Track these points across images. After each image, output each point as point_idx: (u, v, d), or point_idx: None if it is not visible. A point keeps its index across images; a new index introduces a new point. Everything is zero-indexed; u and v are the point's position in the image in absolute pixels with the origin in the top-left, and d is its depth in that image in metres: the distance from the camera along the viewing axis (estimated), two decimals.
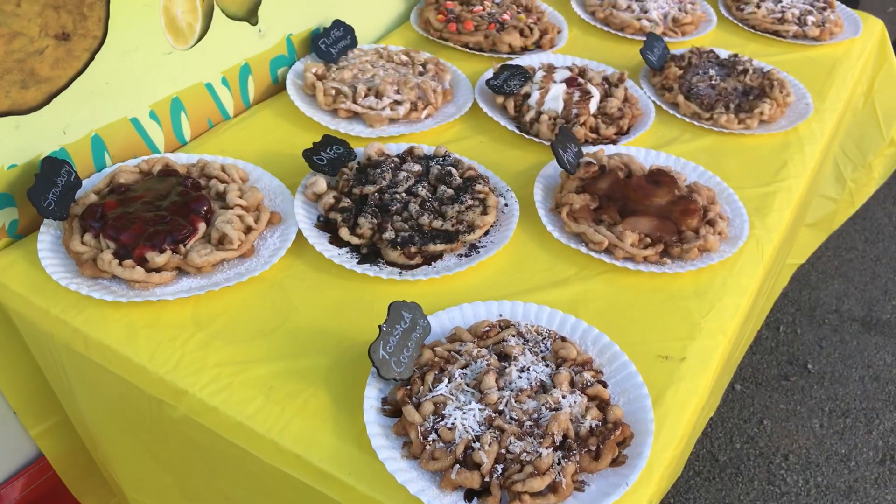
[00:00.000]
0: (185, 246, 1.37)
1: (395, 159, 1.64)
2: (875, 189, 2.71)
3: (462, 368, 1.23)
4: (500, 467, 1.10)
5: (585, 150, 1.73)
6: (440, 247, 1.46)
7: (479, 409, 1.16)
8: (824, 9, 2.47)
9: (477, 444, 1.11)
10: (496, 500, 1.08)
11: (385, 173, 1.58)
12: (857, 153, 2.49)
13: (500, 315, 1.37)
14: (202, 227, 1.40)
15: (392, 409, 1.20)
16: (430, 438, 1.13)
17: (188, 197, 1.44)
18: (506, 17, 2.19)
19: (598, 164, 1.65)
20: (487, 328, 1.31)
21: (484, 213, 1.54)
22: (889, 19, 2.69)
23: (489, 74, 1.96)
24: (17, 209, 1.44)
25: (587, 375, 1.24)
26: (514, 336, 1.29)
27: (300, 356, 1.29)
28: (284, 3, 1.88)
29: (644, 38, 2.19)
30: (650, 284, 1.48)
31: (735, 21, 2.47)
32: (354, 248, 1.48)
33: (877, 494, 2.55)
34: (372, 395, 1.20)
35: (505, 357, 1.26)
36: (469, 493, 1.10)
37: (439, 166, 1.62)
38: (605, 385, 1.25)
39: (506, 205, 1.61)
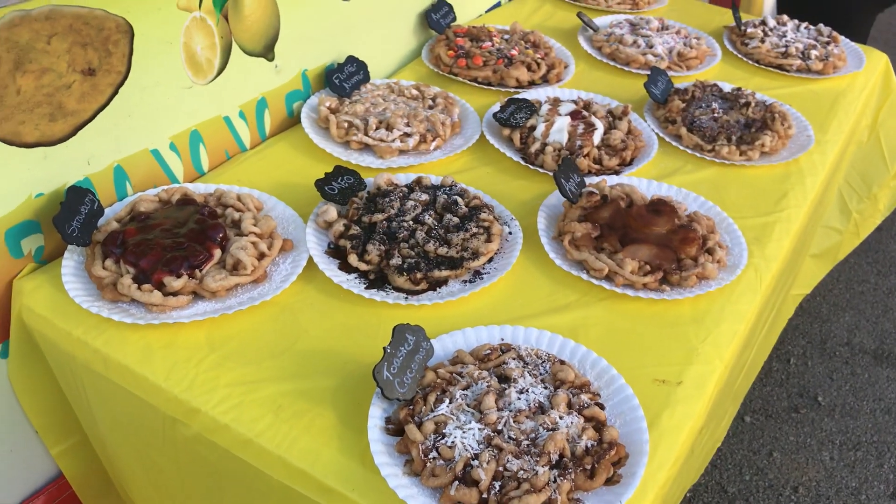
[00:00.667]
0: (200, 271, 1.44)
1: (404, 189, 1.70)
2: (881, 220, 2.73)
3: (463, 389, 1.28)
4: (497, 484, 1.14)
5: (588, 180, 1.78)
6: (445, 273, 1.52)
7: (479, 429, 1.20)
8: (828, 43, 2.52)
9: (476, 462, 1.16)
10: None
11: (393, 202, 1.64)
12: (862, 185, 2.53)
13: (502, 339, 1.41)
14: (217, 253, 1.47)
15: (395, 429, 1.25)
16: (430, 456, 1.17)
17: (205, 224, 1.51)
18: (514, 52, 2.27)
19: (601, 193, 1.70)
20: (489, 351, 1.36)
21: (488, 240, 1.59)
22: None
23: (496, 108, 2.03)
24: (43, 235, 1.52)
25: (584, 397, 1.28)
26: (514, 359, 1.34)
27: (308, 377, 1.34)
28: (300, 39, 1.96)
29: (649, 73, 2.25)
30: (649, 311, 1.53)
31: (739, 55, 2.52)
32: (363, 274, 1.54)
33: None
34: (376, 415, 1.25)
35: (505, 379, 1.30)
36: None
37: (446, 195, 1.68)
38: (602, 407, 1.29)
39: (510, 233, 1.66)
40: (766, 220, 1.80)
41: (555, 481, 1.15)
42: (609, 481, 1.19)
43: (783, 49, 2.47)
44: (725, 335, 1.50)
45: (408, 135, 1.89)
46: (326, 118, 1.92)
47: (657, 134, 2.06)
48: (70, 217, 1.46)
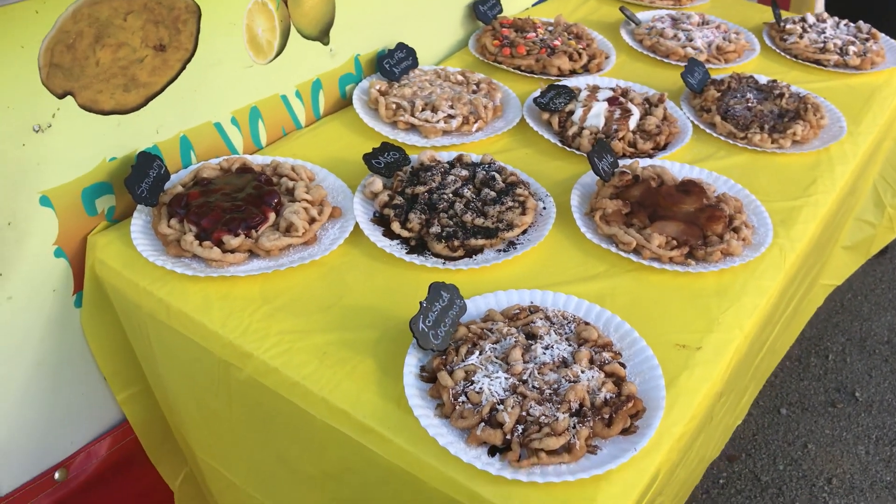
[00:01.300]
0: (256, 231, 1.56)
1: (445, 165, 1.81)
2: None
3: (493, 344, 1.38)
4: (520, 428, 1.24)
5: (622, 162, 1.87)
6: (481, 241, 1.62)
7: (505, 378, 1.30)
8: (867, 40, 2.56)
9: (501, 407, 1.25)
10: (516, 455, 1.21)
11: (435, 176, 1.75)
12: None
13: (532, 302, 1.51)
14: (272, 216, 1.60)
15: (429, 376, 1.35)
16: (459, 400, 1.27)
17: (261, 190, 1.64)
18: (556, 42, 2.36)
19: (633, 173, 1.79)
20: (518, 311, 1.46)
21: (522, 213, 1.69)
22: None
23: (537, 93, 2.12)
24: (115, 196, 1.66)
25: (606, 355, 1.37)
26: (541, 319, 1.43)
27: (352, 329, 1.45)
28: (353, 26, 2.09)
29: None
30: (674, 283, 1.60)
31: (778, 50, 2.58)
32: (404, 241, 1.65)
33: None
34: (411, 363, 1.35)
35: (532, 336, 1.40)
36: (492, 450, 1.24)
37: (484, 171, 1.78)
38: (623, 365, 1.38)
39: (544, 208, 1.76)
40: (793, 203, 1.86)
41: (574, 427, 1.24)
42: (626, 431, 1.27)
43: (821, 45, 2.51)
44: (747, 308, 1.57)
45: (451, 116, 2.00)
46: (376, 100, 2.04)
47: (692, 122, 2.13)
48: (140, 180, 1.60)
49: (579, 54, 2.34)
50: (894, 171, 2.52)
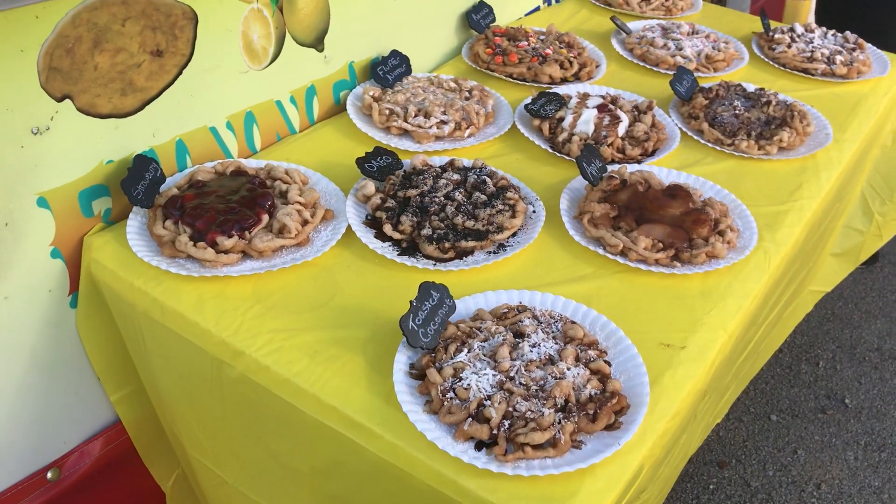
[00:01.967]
0: (250, 233, 1.59)
1: (437, 169, 1.84)
2: None
3: (481, 342, 1.40)
4: (507, 423, 1.26)
5: (610, 168, 1.90)
6: (471, 244, 1.65)
7: (493, 375, 1.33)
8: (854, 49, 2.60)
9: (488, 402, 1.28)
10: (502, 449, 1.23)
11: (427, 180, 1.78)
12: (885, 188, 2.59)
13: (520, 302, 1.54)
14: (265, 218, 1.62)
15: (418, 374, 1.37)
16: (448, 396, 1.30)
17: (255, 193, 1.67)
18: (548, 51, 2.40)
19: (620, 178, 1.82)
20: (506, 310, 1.48)
21: (512, 216, 1.72)
22: None
23: (528, 100, 2.16)
24: (111, 198, 1.69)
25: (591, 353, 1.40)
26: (529, 318, 1.46)
27: (342, 328, 1.48)
28: (348, 33, 2.12)
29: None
30: (660, 284, 1.63)
31: (766, 59, 2.62)
32: (396, 243, 1.67)
33: None
34: (401, 360, 1.38)
35: (520, 335, 1.43)
36: (479, 444, 1.26)
37: (476, 176, 1.81)
38: (608, 364, 1.41)
39: (534, 211, 1.79)
40: (779, 208, 1.89)
41: (559, 423, 1.26)
42: (610, 427, 1.30)
43: (809, 54, 2.55)
44: (731, 308, 1.60)
45: (444, 122, 2.03)
46: (370, 105, 2.07)
47: (680, 128, 2.16)
48: (136, 182, 1.63)
49: (570, 63, 2.38)
50: (882, 179, 2.56)
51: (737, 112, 2.18)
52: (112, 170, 1.67)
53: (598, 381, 1.35)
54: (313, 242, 1.66)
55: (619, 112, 2.07)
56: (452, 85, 2.22)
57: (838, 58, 2.51)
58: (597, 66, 2.47)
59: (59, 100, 1.52)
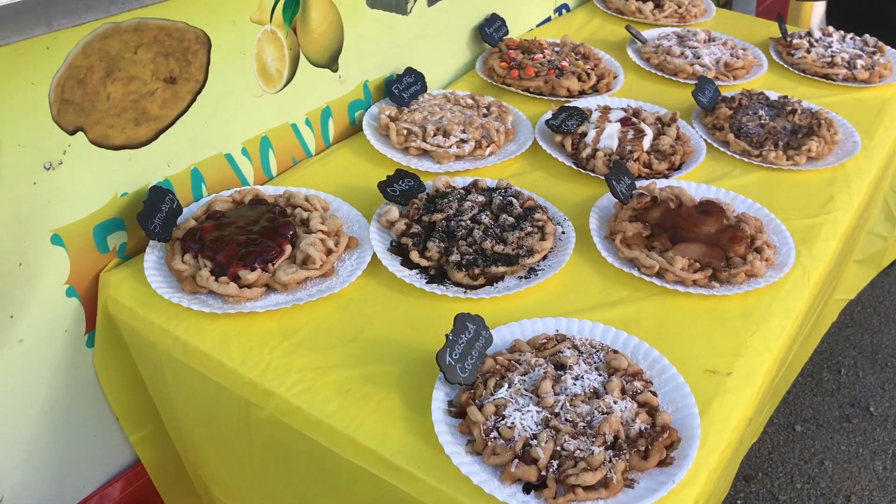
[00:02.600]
0: (273, 265, 1.53)
1: (461, 191, 1.78)
2: None
3: (521, 375, 1.34)
4: (555, 463, 1.20)
5: (638, 183, 1.84)
6: (501, 269, 1.59)
7: (537, 411, 1.27)
8: (874, 53, 2.55)
9: (534, 442, 1.22)
10: (552, 492, 1.17)
11: (451, 203, 1.72)
12: None
13: (557, 330, 1.48)
14: (288, 248, 1.56)
15: (457, 412, 1.32)
16: (491, 436, 1.24)
17: (276, 222, 1.61)
18: (564, 63, 2.34)
19: (651, 195, 1.77)
20: (545, 340, 1.43)
21: (542, 238, 1.66)
22: None
23: (548, 115, 2.10)
24: (126, 232, 1.63)
25: (637, 384, 1.34)
26: (569, 348, 1.40)
27: (374, 363, 1.42)
28: (361, 52, 2.07)
29: (696, 83, 2.31)
30: (699, 306, 1.58)
31: (786, 65, 2.57)
32: (423, 270, 1.62)
33: None
34: (439, 398, 1.32)
35: (561, 366, 1.37)
36: (527, 486, 1.20)
37: (501, 197, 1.76)
38: (654, 394, 1.35)
39: (563, 232, 1.73)
40: (813, 221, 1.84)
41: (610, 461, 1.20)
42: (662, 463, 1.24)
43: (829, 59, 2.50)
44: (774, 330, 1.55)
45: (464, 141, 1.97)
46: (387, 125, 2.01)
47: (705, 140, 2.11)
48: (152, 215, 1.57)
49: (588, 74, 2.32)
50: None
51: (762, 122, 2.12)
52: (127, 202, 1.61)
53: (646, 415, 1.29)
54: (338, 273, 1.59)
55: (642, 125, 2.02)
56: (469, 101, 2.16)
57: (859, 62, 2.46)
58: (614, 77, 2.42)
59: (72, 133, 1.45)
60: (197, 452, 1.67)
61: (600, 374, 1.36)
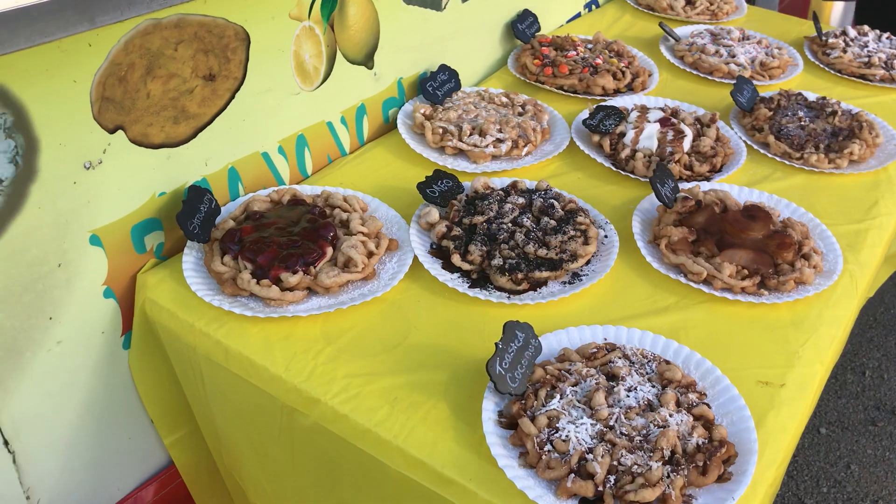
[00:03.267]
0: (314, 268, 1.50)
1: (500, 192, 1.75)
2: None
3: (572, 386, 1.31)
4: (612, 478, 1.17)
5: (680, 186, 1.81)
6: (545, 274, 1.56)
7: (591, 424, 1.24)
8: None
9: (590, 456, 1.19)
10: None
11: (492, 205, 1.69)
12: None
13: (605, 339, 1.45)
14: (329, 251, 1.53)
15: (507, 422, 1.29)
16: (545, 449, 1.21)
17: (317, 224, 1.57)
18: (598, 61, 2.30)
19: (695, 199, 1.73)
20: (595, 350, 1.39)
21: (585, 243, 1.63)
22: None
23: (585, 115, 2.06)
24: (164, 232, 1.60)
25: (692, 396, 1.31)
26: (620, 358, 1.37)
27: (420, 370, 1.39)
28: (397, 49, 2.03)
29: (732, 82, 2.27)
30: (748, 314, 1.55)
31: (821, 65, 2.53)
32: (465, 274, 1.58)
33: None
34: (489, 408, 1.29)
35: (612, 377, 1.34)
36: (583, 501, 1.17)
37: (541, 199, 1.72)
38: (709, 406, 1.32)
39: (605, 236, 1.70)
40: (858, 227, 1.81)
41: (668, 476, 1.17)
42: (720, 479, 1.21)
43: (866, 59, 2.46)
44: (824, 339, 1.52)
45: (500, 140, 1.94)
46: (422, 124, 1.98)
47: (744, 141, 2.07)
48: (191, 215, 1.54)
49: (623, 73, 2.28)
50: None
51: (802, 123, 2.09)
52: (165, 202, 1.58)
53: (703, 429, 1.26)
54: (379, 276, 1.56)
55: (682, 126, 1.98)
56: (504, 100, 2.12)
57: None
58: (649, 76, 2.38)
59: (112, 131, 1.42)
60: (234, 457, 1.64)
61: (653, 386, 1.33)
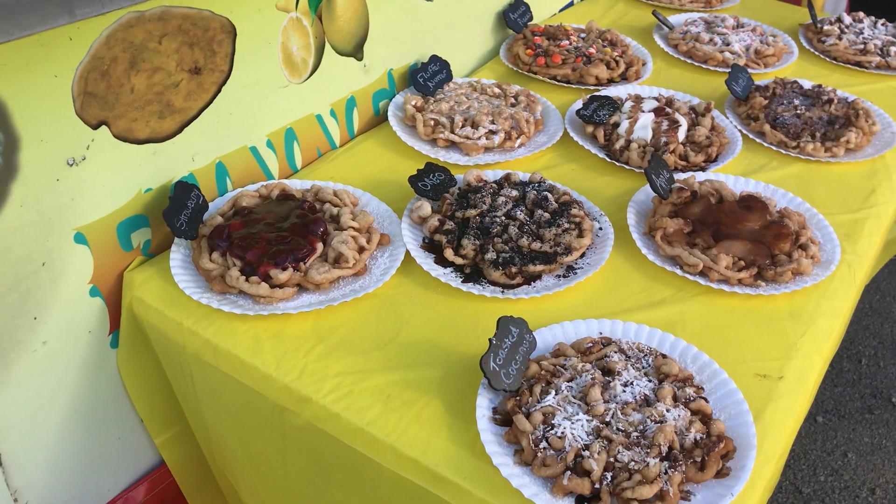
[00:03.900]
0: (304, 264, 1.47)
1: (493, 185, 1.72)
2: None
3: (567, 381, 1.29)
4: (609, 475, 1.15)
5: (676, 176, 1.79)
6: (539, 267, 1.54)
7: (587, 420, 1.22)
8: None
9: (586, 453, 1.17)
10: None
11: (485, 198, 1.66)
12: None
13: (601, 333, 1.43)
14: (320, 246, 1.51)
15: (502, 419, 1.27)
16: (541, 446, 1.19)
17: (306, 219, 1.55)
18: (592, 50, 2.28)
19: (690, 189, 1.71)
20: (590, 344, 1.37)
21: (580, 235, 1.61)
22: None
23: (578, 105, 2.04)
24: (151, 229, 1.57)
25: (689, 391, 1.29)
26: (616, 352, 1.35)
27: (413, 367, 1.36)
28: (386, 39, 2.00)
29: (727, 70, 2.24)
30: (745, 306, 1.53)
31: (816, 53, 2.50)
32: (458, 268, 1.56)
33: None
34: (483, 405, 1.27)
35: (608, 372, 1.32)
36: (579, 499, 1.15)
37: (535, 192, 1.70)
38: (706, 401, 1.30)
39: (600, 228, 1.68)
40: (855, 216, 1.79)
41: (665, 473, 1.16)
42: (718, 474, 1.19)
43: (861, 46, 2.44)
44: (823, 331, 1.50)
45: (493, 132, 1.91)
46: (413, 116, 1.95)
47: (739, 131, 2.05)
48: (178, 211, 1.51)
49: (616, 62, 2.25)
50: None
51: (798, 112, 2.06)
52: (151, 198, 1.55)
53: (700, 423, 1.24)
54: (371, 271, 1.54)
55: (676, 115, 1.96)
56: (496, 90, 2.09)
57: (893, 49, 2.40)
58: (643, 65, 2.35)
59: (95, 127, 1.39)
60: (225, 456, 1.62)
61: (650, 381, 1.31)
